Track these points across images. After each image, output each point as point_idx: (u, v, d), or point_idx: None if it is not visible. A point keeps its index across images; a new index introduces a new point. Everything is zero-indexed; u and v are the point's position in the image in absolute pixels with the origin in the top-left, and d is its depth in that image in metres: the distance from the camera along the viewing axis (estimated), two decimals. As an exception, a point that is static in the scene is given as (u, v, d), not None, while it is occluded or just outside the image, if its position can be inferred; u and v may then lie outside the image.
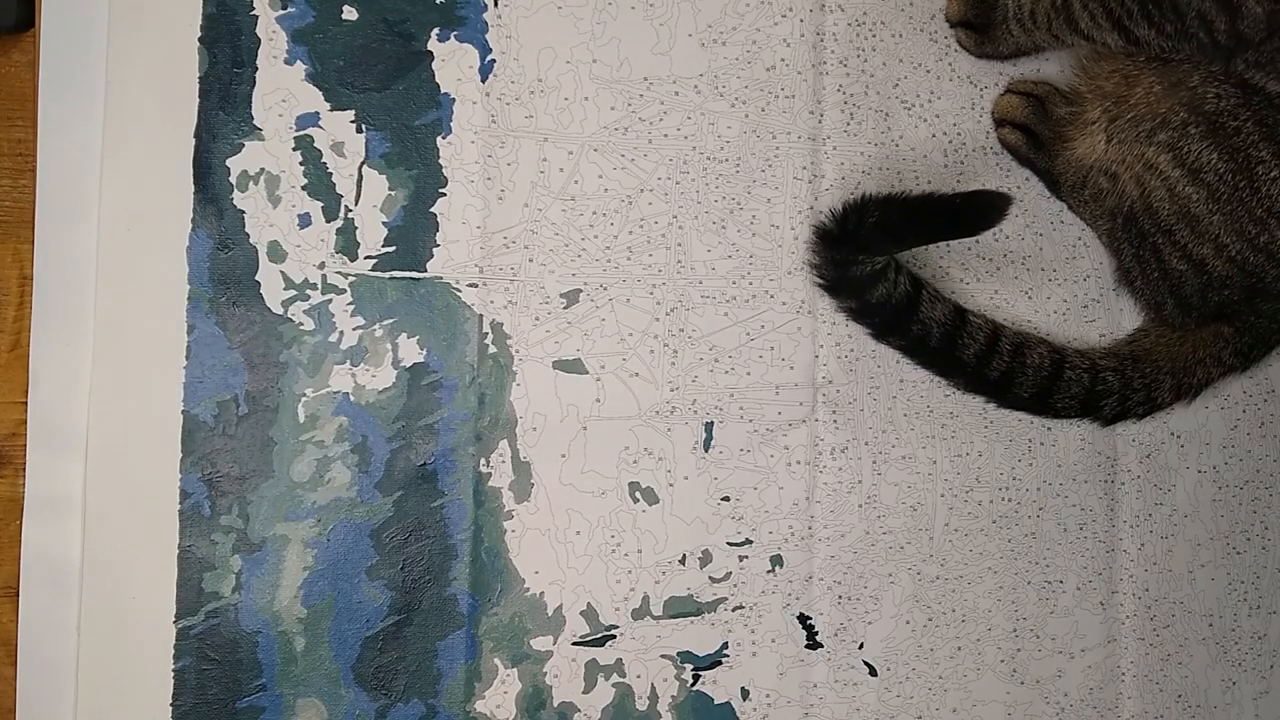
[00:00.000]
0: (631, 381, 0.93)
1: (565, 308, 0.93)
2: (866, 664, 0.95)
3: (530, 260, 0.92)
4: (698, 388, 0.94)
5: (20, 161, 0.90)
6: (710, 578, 0.94)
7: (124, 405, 0.89)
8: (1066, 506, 0.96)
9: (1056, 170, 0.94)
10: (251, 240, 0.91)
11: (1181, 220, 0.88)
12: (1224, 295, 0.90)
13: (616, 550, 0.93)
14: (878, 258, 0.90)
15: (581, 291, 0.93)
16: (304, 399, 0.91)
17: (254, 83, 0.90)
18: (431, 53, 0.92)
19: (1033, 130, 0.93)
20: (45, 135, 0.89)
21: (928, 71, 0.95)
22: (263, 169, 0.91)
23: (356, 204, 0.91)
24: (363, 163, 0.92)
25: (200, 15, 0.90)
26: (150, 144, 0.90)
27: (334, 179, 0.91)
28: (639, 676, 0.93)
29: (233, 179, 0.90)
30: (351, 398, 0.91)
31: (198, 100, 0.90)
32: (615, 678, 0.93)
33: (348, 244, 0.91)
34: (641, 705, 0.93)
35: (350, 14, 0.91)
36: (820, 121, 0.95)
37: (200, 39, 0.90)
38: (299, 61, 0.91)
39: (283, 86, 0.91)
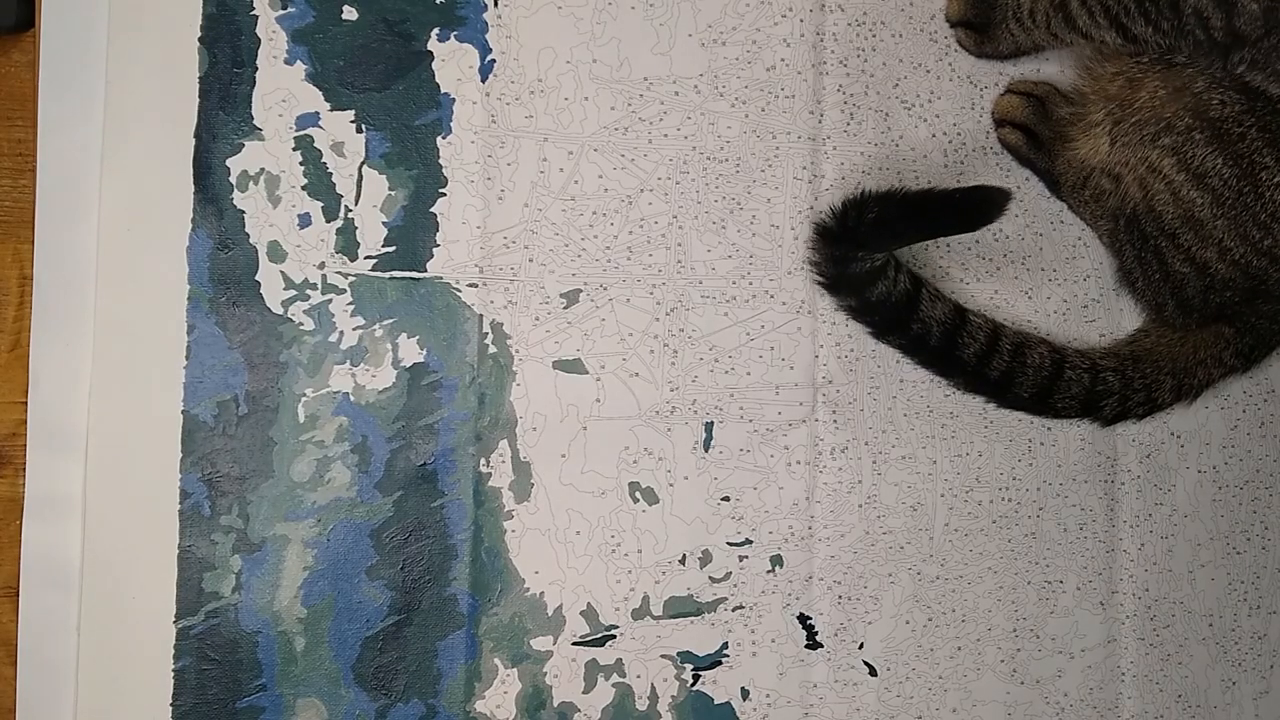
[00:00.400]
0: (631, 381, 0.93)
1: (565, 308, 0.93)
2: (866, 664, 0.95)
3: (530, 260, 0.92)
4: (698, 388, 0.94)
5: (20, 161, 0.90)
6: (710, 578, 0.94)
7: (124, 405, 0.89)
8: (1066, 506, 0.96)
9: (1057, 170, 0.94)
10: (251, 240, 0.91)
11: (1185, 224, 0.88)
12: (1226, 297, 0.90)
13: (616, 550, 0.93)
14: (876, 255, 0.90)
15: (581, 291, 0.93)
16: (304, 399, 0.91)
17: (254, 83, 0.90)
18: (431, 53, 0.92)
19: (1033, 130, 0.93)
20: (45, 135, 0.89)
21: (928, 71, 0.95)
22: (263, 169, 0.91)
23: (356, 204, 0.91)
24: (363, 163, 0.92)
25: (200, 15, 0.90)
26: (150, 144, 0.90)
27: (334, 179, 0.91)
28: (639, 676, 0.93)
29: (233, 179, 0.90)
30: (351, 398, 0.91)
31: (198, 100, 0.90)
32: (615, 678, 0.93)
33: (348, 244, 0.91)
34: (641, 705, 0.93)
35: (350, 14, 0.91)
36: (820, 121, 0.95)
37: (200, 39, 0.90)
38: (299, 61, 0.91)
39: (283, 86, 0.91)
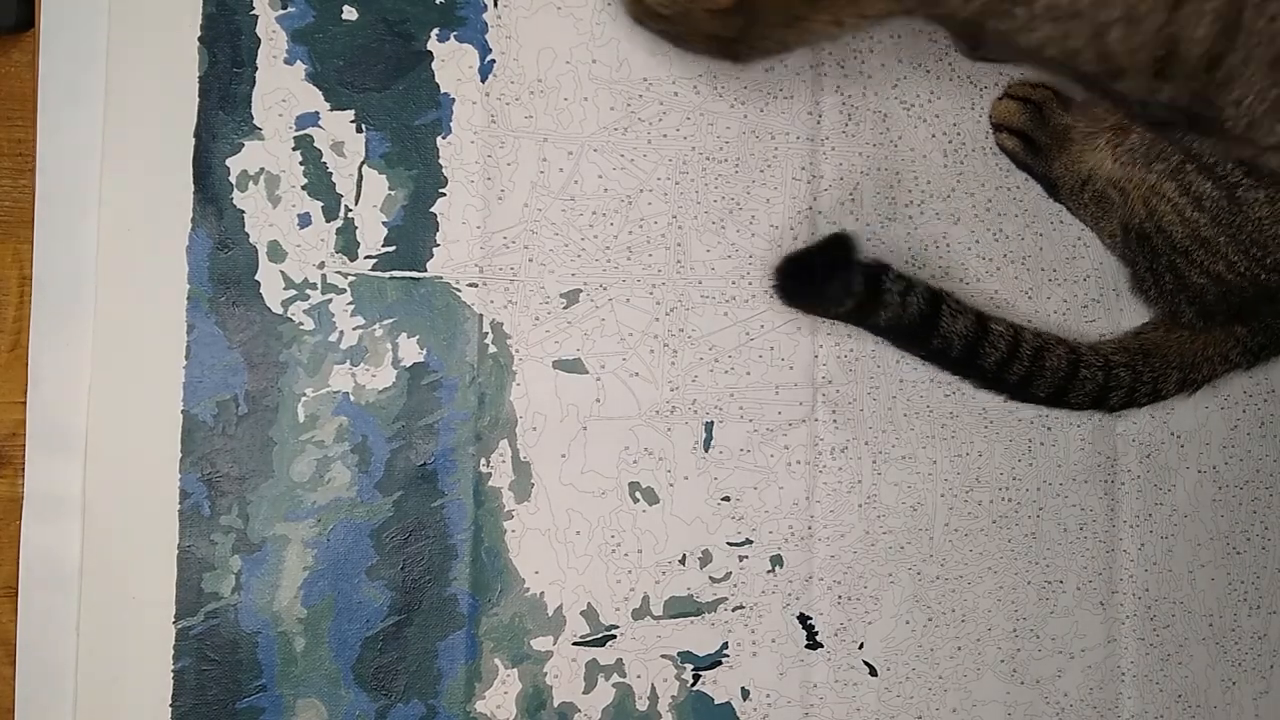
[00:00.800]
0: (631, 381, 0.93)
1: (565, 308, 0.93)
2: (866, 664, 0.95)
3: (530, 260, 0.92)
4: (698, 387, 0.94)
5: (20, 161, 0.90)
6: (710, 578, 0.94)
7: (124, 405, 0.89)
8: (1066, 506, 0.96)
9: (1055, 174, 0.94)
10: (251, 240, 0.91)
11: (1195, 242, 0.87)
12: (1244, 298, 0.89)
13: (616, 550, 0.93)
14: (839, 303, 0.90)
15: (581, 291, 0.93)
16: (304, 399, 0.91)
17: (254, 82, 0.91)
18: (431, 53, 0.92)
19: (1030, 136, 0.93)
20: (45, 135, 0.89)
21: (927, 72, 0.96)
22: (262, 169, 0.91)
23: (356, 204, 0.91)
24: (363, 162, 0.92)
25: (200, 15, 0.90)
26: (150, 144, 0.90)
27: (334, 179, 0.91)
28: (639, 676, 0.93)
29: (232, 179, 0.90)
30: (351, 397, 0.91)
31: (197, 100, 0.90)
32: (615, 678, 0.93)
33: (347, 244, 0.91)
34: (642, 705, 0.93)
35: (350, 14, 0.91)
36: (819, 122, 0.95)
37: (200, 38, 0.90)
38: (299, 61, 0.91)
39: (283, 86, 0.91)
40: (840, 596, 0.95)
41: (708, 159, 0.94)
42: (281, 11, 0.91)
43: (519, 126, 0.92)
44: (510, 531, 0.92)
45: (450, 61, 0.92)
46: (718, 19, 0.78)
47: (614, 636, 0.93)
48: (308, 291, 0.91)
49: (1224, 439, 0.98)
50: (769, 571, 0.94)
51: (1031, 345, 0.92)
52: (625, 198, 0.93)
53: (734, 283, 0.94)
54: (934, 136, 0.95)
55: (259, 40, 0.91)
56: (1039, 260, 0.96)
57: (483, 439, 0.92)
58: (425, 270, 0.92)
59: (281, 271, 0.91)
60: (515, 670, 0.92)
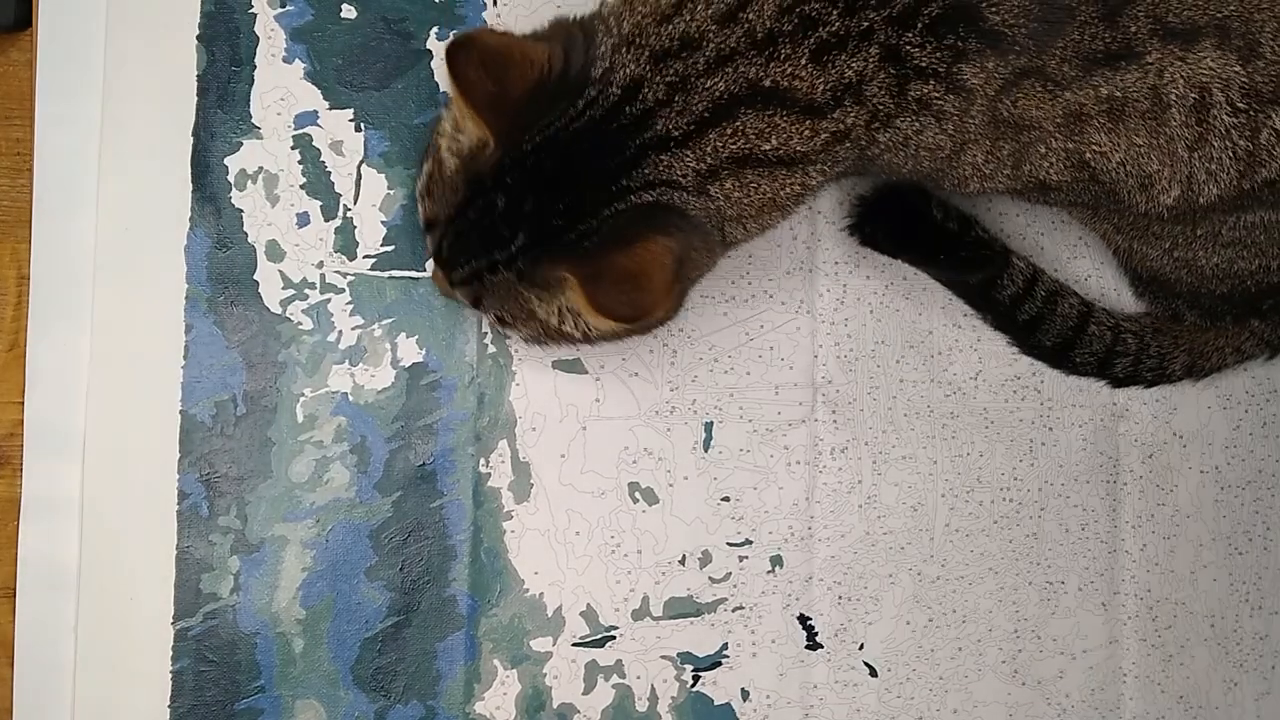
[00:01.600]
0: (631, 381, 0.93)
1: (565, 307, 0.92)
2: (867, 665, 0.95)
3: (529, 260, 0.92)
4: (697, 387, 0.93)
5: (17, 160, 0.89)
6: (710, 578, 0.93)
7: (122, 405, 0.89)
8: (1068, 507, 0.96)
9: None
10: (250, 239, 0.90)
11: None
12: (1247, 298, 0.89)
13: (616, 551, 0.93)
14: None
15: (581, 291, 0.93)
16: (302, 399, 0.90)
17: (252, 81, 0.90)
18: (430, 51, 0.92)
19: None
20: (42, 134, 0.89)
21: (928, 70, 0.95)
22: (261, 168, 0.90)
23: (355, 203, 0.91)
24: (361, 161, 0.91)
25: (198, 13, 0.90)
26: (148, 143, 0.90)
27: (332, 178, 0.91)
28: (639, 677, 0.93)
29: (231, 178, 0.90)
30: (350, 397, 0.91)
31: (196, 98, 0.90)
32: (615, 679, 0.93)
33: (346, 243, 0.91)
34: (641, 706, 0.93)
35: (349, 12, 0.91)
36: (820, 121, 0.95)
37: (198, 37, 0.90)
38: (297, 60, 0.91)
39: (281, 85, 0.91)
40: (840, 597, 0.94)
41: (708, 158, 0.94)
42: (280, 10, 0.90)
43: (518, 125, 0.92)
44: (509, 532, 0.92)
45: (449, 60, 0.92)
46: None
47: (614, 637, 0.93)
48: (306, 291, 0.91)
49: (1226, 439, 0.97)
50: (769, 572, 0.94)
51: (1047, 287, 0.92)
52: (625, 197, 0.93)
53: (734, 283, 0.94)
54: (935, 135, 0.95)
55: (257, 38, 0.90)
56: (1039, 260, 0.96)
57: (482, 439, 0.92)
58: (424, 270, 0.91)
59: (280, 271, 0.91)
60: (514, 671, 0.92)
